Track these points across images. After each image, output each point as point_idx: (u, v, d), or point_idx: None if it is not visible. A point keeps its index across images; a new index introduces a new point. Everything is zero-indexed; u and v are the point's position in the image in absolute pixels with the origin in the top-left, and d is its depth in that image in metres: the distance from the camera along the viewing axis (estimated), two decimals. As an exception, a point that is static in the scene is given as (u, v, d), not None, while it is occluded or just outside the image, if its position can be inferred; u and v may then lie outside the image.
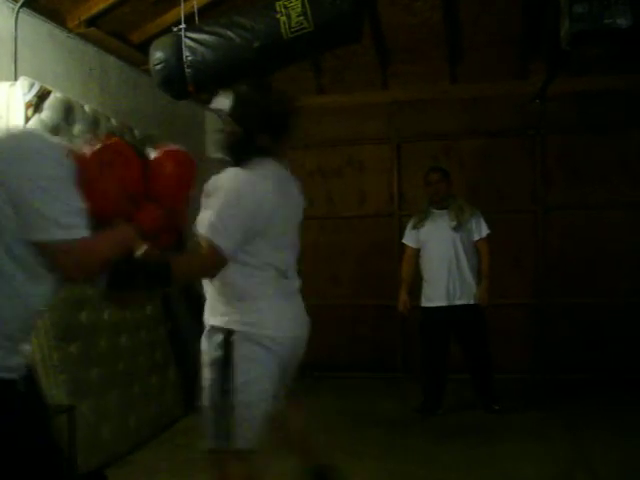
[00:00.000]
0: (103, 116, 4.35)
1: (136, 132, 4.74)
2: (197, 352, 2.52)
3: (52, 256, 1.73)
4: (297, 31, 3.59)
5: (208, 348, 2.45)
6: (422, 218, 5.18)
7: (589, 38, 3.66)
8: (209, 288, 2.51)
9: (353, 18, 3.73)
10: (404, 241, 5.31)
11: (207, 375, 2.44)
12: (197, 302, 5.38)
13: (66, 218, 1.71)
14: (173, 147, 2.17)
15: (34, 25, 4.21)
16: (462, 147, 6.46)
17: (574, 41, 3.63)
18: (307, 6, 3.57)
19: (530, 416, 4.95)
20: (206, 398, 2.43)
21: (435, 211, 5.14)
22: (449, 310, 5.00)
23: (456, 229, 5.01)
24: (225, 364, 2.37)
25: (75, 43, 4.63)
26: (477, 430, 4.66)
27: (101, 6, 4.52)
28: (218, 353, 2.39)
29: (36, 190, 1.68)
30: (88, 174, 1.80)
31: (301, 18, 3.57)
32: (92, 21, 4.62)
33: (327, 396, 5.66)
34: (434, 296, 5.05)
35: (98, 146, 1.89)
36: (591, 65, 5.75)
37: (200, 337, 2.52)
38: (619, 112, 6.05)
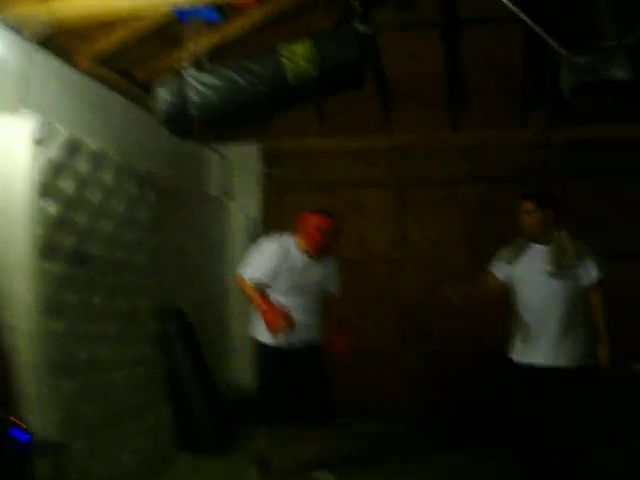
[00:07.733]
0: (107, 153, 4.38)
1: (139, 169, 4.78)
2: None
3: None
4: (302, 76, 3.64)
5: None
6: (518, 252, 4.14)
7: (589, 89, 3.69)
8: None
9: (357, 65, 3.79)
10: (492, 270, 4.26)
11: None
12: (194, 340, 5.37)
13: None
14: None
15: (43, 61, 4.27)
16: (464, 194, 6.47)
17: (574, 92, 3.67)
18: (313, 52, 3.64)
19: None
20: None
21: (535, 245, 4.09)
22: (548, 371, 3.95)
23: (554, 276, 3.94)
24: None
25: (81, 80, 4.68)
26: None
27: (106, 44, 4.58)
28: None
29: None
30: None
31: (307, 64, 3.63)
32: (98, 59, 4.68)
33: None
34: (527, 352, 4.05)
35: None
36: (592, 114, 5.75)
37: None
38: (621, 160, 5.92)
